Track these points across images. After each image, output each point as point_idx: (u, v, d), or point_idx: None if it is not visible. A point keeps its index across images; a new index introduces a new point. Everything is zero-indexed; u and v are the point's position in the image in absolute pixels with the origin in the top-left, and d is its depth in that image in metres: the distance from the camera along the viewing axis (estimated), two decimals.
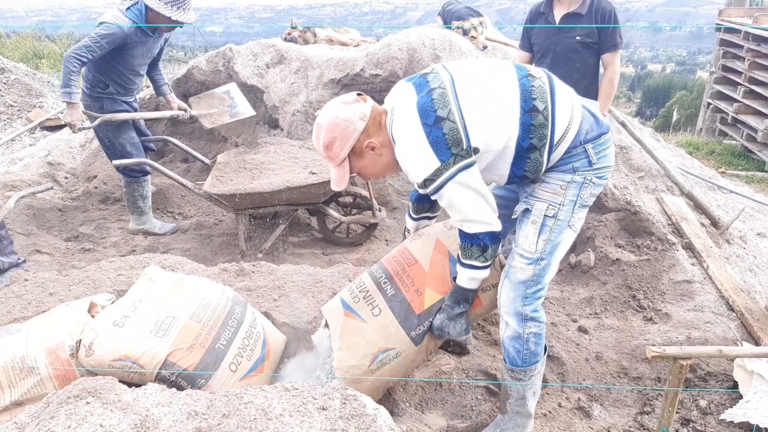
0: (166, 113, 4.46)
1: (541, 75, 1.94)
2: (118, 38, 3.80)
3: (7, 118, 6.48)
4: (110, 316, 2.19)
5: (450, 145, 1.80)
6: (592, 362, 2.83)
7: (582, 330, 3.12)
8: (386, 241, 4.39)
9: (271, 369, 2.34)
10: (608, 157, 1.98)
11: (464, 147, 1.82)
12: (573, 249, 3.94)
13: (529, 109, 1.85)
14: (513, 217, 2.13)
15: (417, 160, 1.86)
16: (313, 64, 4.94)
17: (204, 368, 2.12)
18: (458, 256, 2.03)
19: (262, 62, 5.18)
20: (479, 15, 5.12)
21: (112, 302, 2.37)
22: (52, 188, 3.92)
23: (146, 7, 3.86)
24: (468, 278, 2.01)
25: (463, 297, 2.06)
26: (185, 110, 4.51)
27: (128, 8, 3.89)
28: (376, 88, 4.78)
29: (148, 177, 4.36)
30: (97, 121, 3.92)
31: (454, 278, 2.10)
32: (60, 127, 6.11)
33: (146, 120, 4.63)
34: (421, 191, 2.05)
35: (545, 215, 1.97)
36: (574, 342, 2.95)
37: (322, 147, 1.97)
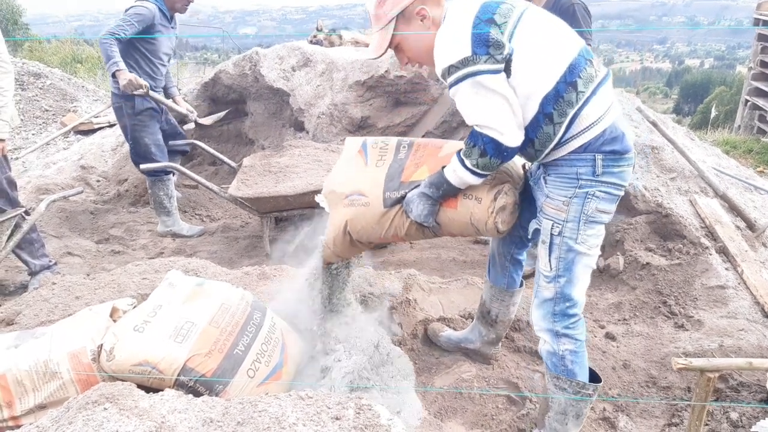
0: (181, 109, 4.57)
1: (600, 69, 1.92)
2: (147, 19, 4.00)
3: (43, 123, 6.66)
4: (131, 321, 2.21)
5: (489, 45, 1.76)
6: (619, 371, 2.75)
7: (609, 337, 3.04)
8: (411, 243, 4.35)
9: (289, 375, 2.33)
10: (617, 175, 1.89)
11: (501, 54, 1.77)
12: (602, 252, 3.84)
13: (569, 81, 1.81)
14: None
15: (450, 43, 1.81)
16: (338, 66, 4.94)
17: (222, 374, 2.12)
18: (461, 147, 1.99)
19: (288, 65, 5.21)
20: None
21: (134, 307, 2.40)
22: (82, 192, 4.00)
23: None
24: (453, 169, 1.97)
25: (438, 183, 2.01)
26: (192, 112, 4.69)
27: None
28: (401, 89, 4.76)
29: (171, 176, 4.45)
30: (139, 91, 4.02)
31: None
32: (93, 131, 6.25)
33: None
34: (442, 81, 1.97)
35: (551, 234, 1.95)
36: (600, 350, 2.87)
37: (375, 2, 1.96)
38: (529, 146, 1.92)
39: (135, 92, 3.98)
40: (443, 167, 2.01)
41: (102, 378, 2.15)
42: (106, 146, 5.56)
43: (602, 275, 3.67)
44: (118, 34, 3.89)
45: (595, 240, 1.96)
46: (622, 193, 1.96)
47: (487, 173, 1.95)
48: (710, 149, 5.34)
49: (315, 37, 5.36)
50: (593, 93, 1.84)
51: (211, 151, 4.57)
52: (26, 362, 2.13)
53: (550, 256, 1.97)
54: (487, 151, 1.85)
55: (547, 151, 1.90)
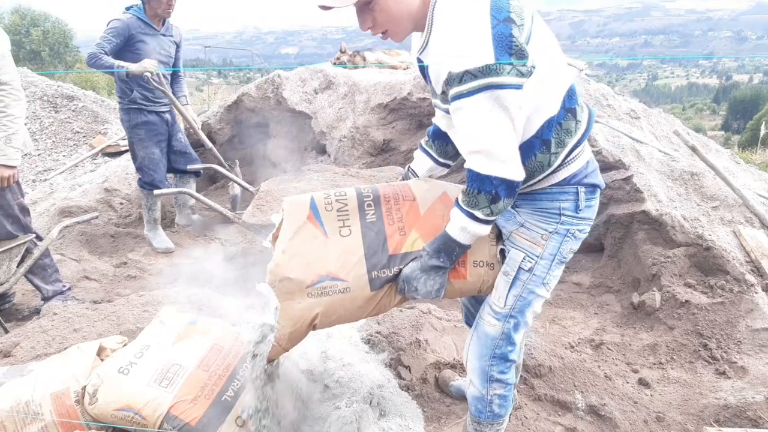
0: (188, 118, 4.58)
1: (584, 105, 1.72)
2: (122, 31, 4.02)
3: (74, 144, 6.75)
4: (117, 362, 2.09)
5: (513, 52, 1.44)
6: (651, 424, 2.48)
7: (643, 383, 2.77)
8: None
9: None
10: (592, 209, 1.75)
11: (525, 67, 1.46)
12: (636, 287, 3.57)
13: (568, 108, 1.62)
14: None
15: (468, 43, 1.45)
16: (361, 88, 4.82)
17: (208, 422, 1.97)
18: (457, 198, 1.66)
19: (311, 88, 5.12)
20: None
21: (124, 345, 2.28)
22: (97, 217, 3.96)
23: (141, 0, 4.13)
24: (461, 227, 1.63)
25: (447, 248, 1.67)
26: (195, 121, 4.73)
27: (127, 8, 4.19)
28: (424, 111, 4.60)
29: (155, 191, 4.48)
30: (160, 68, 4.11)
31: None
32: (119, 153, 6.29)
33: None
34: (437, 89, 1.60)
35: (520, 267, 1.72)
36: (631, 399, 2.61)
37: None
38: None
39: (145, 74, 4.03)
40: (445, 230, 1.68)
41: (85, 419, 2.03)
42: (131, 169, 5.55)
43: (637, 312, 3.39)
44: (98, 51, 3.93)
45: (554, 282, 1.79)
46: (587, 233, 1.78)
47: (498, 216, 1.66)
48: (757, 173, 4.98)
49: (338, 59, 5.27)
50: (588, 124, 1.68)
51: (230, 175, 4.49)
52: (8, 402, 2.03)
53: (509, 291, 1.75)
54: (500, 195, 1.54)
55: (532, 182, 1.67)
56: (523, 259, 1.71)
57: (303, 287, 1.69)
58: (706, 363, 2.88)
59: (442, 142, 1.99)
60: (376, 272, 1.70)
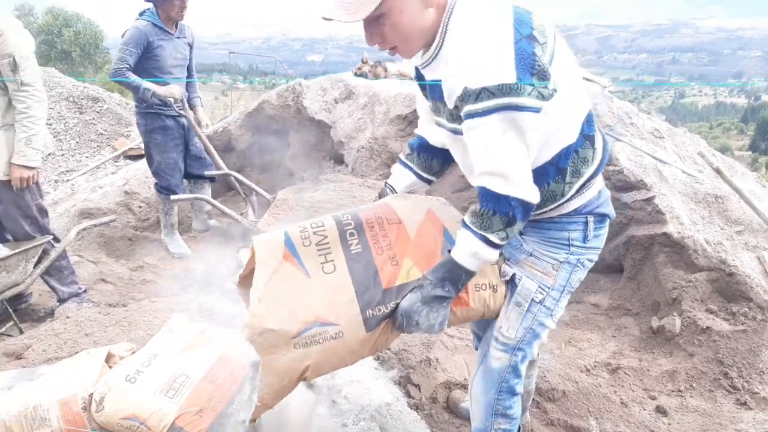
0: (201, 119, 4.68)
1: (599, 131, 1.66)
2: (141, 39, 4.03)
3: (97, 146, 6.84)
4: (124, 370, 2.08)
5: (535, 72, 1.34)
6: None
7: (661, 411, 2.69)
8: None
9: None
10: (600, 239, 1.69)
11: (547, 89, 1.36)
12: (656, 311, 3.48)
13: (587, 135, 1.54)
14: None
15: (488, 58, 1.34)
16: (381, 99, 4.81)
17: None
18: (465, 220, 1.51)
19: (331, 97, 5.12)
20: None
21: (133, 352, 2.27)
22: (114, 220, 3.98)
23: (153, 3, 4.13)
24: (471, 252, 1.48)
25: (453, 276, 1.52)
26: (207, 125, 4.82)
27: (141, 14, 4.19)
28: None
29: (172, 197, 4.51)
30: (170, 99, 4.14)
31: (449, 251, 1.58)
32: (140, 156, 6.35)
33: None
34: (448, 104, 1.47)
35: (533, 299, 1.65)
36: (648, 427, 2.54)
37: None
38: None
39: (168, 99, 4.11)
40: (449, 253, 1.54)
41: (92, 428, 2.03)
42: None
43: (656, 337, 3.30)
44: (123, 67, 3.97)
45: (561, 313, 1.72)
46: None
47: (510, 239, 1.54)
48: None
49: (360, 69, 5.28)
50: (604, 154, 1.61)
51: (247, 182, 4.49)
52: (16, 407, 2.03)
53: (521, 323, 1.68)
54: (517, 217, 1.43)
55: (542, 211, 1.59)
56: (537, 290, 1.64)
57: (288, 338, 1.49)
58: (726, 392, 2.79)
59: (427, 155, 1.88)
60: (370, 311, 1.52)
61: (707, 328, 3.09)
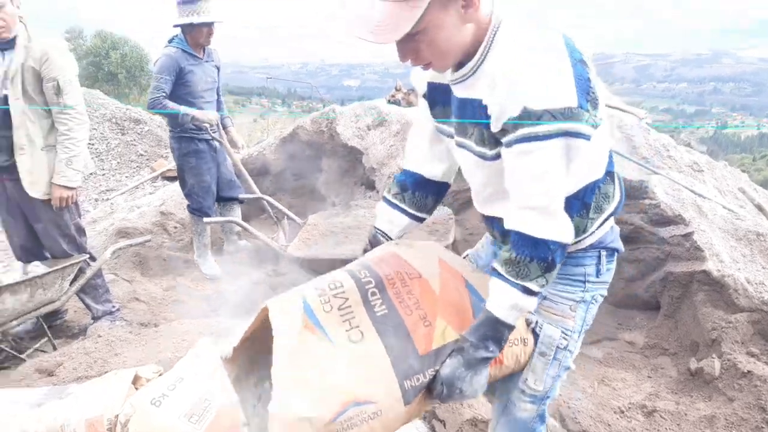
0: (235, 140, 4.80)
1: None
2: (174, 66, 4.13)
3: (137, 167, 7.03)
4: (150, 393, 2.09)
5: (590, 99, 1.29)
6: None
7: None
8: None
9: None
10: (610, 273, 1.64)
11: (597, 117, 1.32)
12: (694, 351, 3.35)
13: (609, 171, 1.51)
14: None
15: (551, 79, 1.26)
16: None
17: None
18: (497, 269, 1.41)
19: (364, 124, 5.17)
20: None
21: (159, 374, 2.29)
22: (149, 241, 4.06)
23: (181, 30, 4.23)
24: (511, 305, 1.38)
25: (495, 333, 1.39)
26: (242, 147, 4.97)
27: (170, 41, 4.30)
28: None
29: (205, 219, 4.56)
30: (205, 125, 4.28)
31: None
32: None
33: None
34: (493, 127, 1.34)
35: (557, 347, 1.57)
36: None
37: None
38: None
39: (205, 125, 4.25)
40: (487, 310, 1.42)
41: None
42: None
43: (694, 379, 3.18)
44: (160, 95, 4.10)
45: (575, 354, 1.65)
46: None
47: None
48: None
49: (393, 96, 5.32)
50: (622, 192, 1.59)
51: (279, 206, 4.54)
52: (45, 424, 2.06)
53: (548, 372, 1.59)
54: (556, 261, 1.36)
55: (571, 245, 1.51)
56: (561, 336, 1.57)
57: (323, 425, 1.30)
58: None
59: (423, 193, 1.75)
60: (409, 382, 1.36)
61: (748, 372, 2.96)
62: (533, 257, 1.34)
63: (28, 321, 3.18)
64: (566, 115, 1.24)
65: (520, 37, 1.35)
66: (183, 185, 4.63)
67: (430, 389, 1.41)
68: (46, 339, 3.23)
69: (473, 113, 1.41)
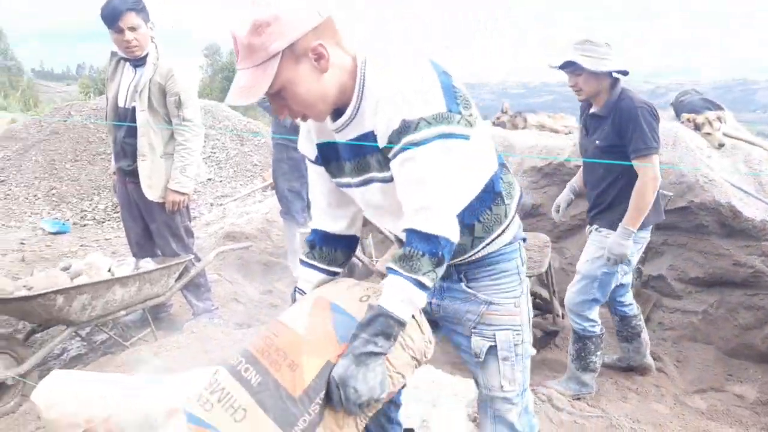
0: None
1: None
2: None
3: (251, 176, 7.48)
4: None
5: (459, 102, 1.44)
6: None
7: None
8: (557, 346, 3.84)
9: None
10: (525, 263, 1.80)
11: (472, 116, 1.48)
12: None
13: (501, 163, 1.66)
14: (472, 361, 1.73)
15: (421, 91, 1.40)
16: (515, 150, 4.73)
17: None
18: (391, 266, 1.44)
19: None
20: (719, 108, 4.39)
21: None
22: (250, 246, 4.29)
23: None
24: (403, 298, 1.41)
25: (385, 329, 1.40)
26: None
27: None
28: None
29: (297, 225, 4.73)
30: None
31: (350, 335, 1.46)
32: None
33: None
34: (382, 140, 1.44)
35: (514, 345, 1.67)
36: None
37: (248, 27, 1.37)
38: (466, 234, 1.54)
39: None
40: (378, 305, 1.43)
41: None
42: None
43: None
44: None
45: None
46: None
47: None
48: None
49: (499, 118, 5.24)
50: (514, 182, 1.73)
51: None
52: (134, 411, 2.22)
53: (514, 371, 1.70)
54: (444, 257, 1.41)
55: (491, 238, 1.60)
56: (513, 335, 1.67)
57: None
58: None
59: (330, 248, 1.80)
60: (296, 428, 1.40)
61: None
62: (425, 252, 1.40)
63: (136, 312, 3.46)
64: (438, 119, 1.38)
65: (388, 65, 1.48)
66: (276, 189, 4.88)
67: (332, 400, 1.43)
68: (149, 330, 3.50)
69: (369, 148, 1.51)
